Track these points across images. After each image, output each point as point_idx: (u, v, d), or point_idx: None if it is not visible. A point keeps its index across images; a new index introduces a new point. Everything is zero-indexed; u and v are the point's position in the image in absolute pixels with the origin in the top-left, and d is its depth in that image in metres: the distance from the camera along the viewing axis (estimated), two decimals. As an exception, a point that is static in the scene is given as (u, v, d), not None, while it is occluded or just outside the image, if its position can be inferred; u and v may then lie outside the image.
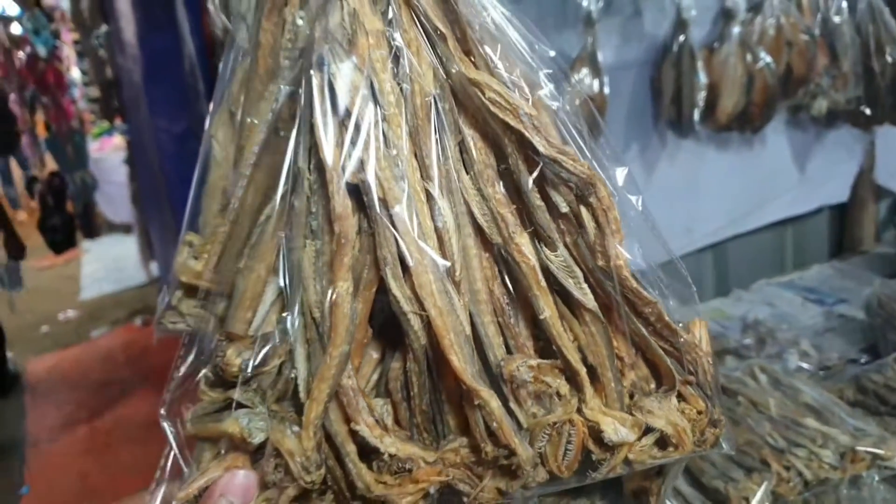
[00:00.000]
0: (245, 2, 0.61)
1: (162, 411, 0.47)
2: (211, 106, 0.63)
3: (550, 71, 0.50)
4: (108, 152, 4.98)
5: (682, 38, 1.75)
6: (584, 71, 1.66)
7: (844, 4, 1.80)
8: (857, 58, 1.81)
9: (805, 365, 1.60)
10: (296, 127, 0.46)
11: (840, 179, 2.19)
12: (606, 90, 1.69)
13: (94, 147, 5.14)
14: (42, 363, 3.69)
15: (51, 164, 4.64)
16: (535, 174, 0.44)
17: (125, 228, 4.96)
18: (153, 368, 3.33)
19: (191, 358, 0.48)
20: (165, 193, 2.04)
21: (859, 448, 1.13)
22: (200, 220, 0.63)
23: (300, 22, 0.56)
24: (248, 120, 0.57)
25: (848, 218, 2.26)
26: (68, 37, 5.16)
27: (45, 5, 4.71)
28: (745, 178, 2.03)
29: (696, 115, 1.77)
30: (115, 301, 4.45)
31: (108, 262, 5.00)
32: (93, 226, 4.78)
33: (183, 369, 0.47)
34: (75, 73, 5.24)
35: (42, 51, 4.46)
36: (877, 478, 1.13)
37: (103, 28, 3.14)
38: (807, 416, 1.24)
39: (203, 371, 0.46)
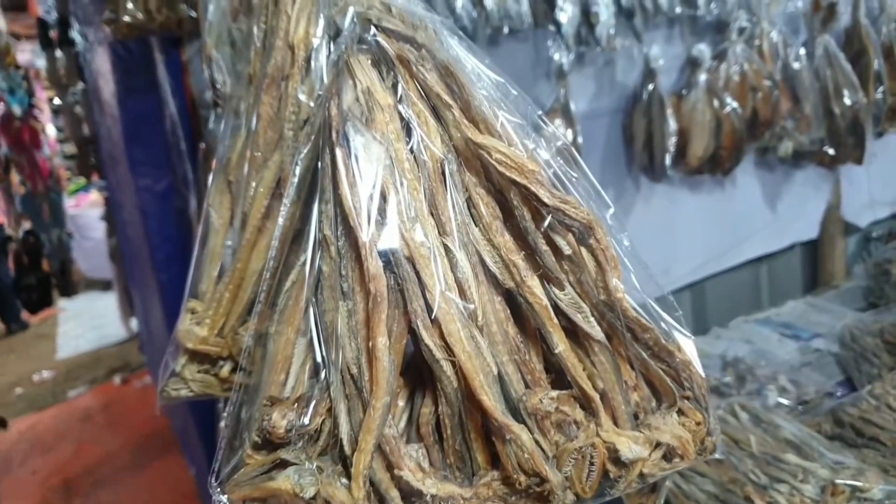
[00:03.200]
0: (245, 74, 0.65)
1: (212, 481, 0.49)
2: (210, 176, 0.66)
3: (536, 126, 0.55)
4: (84, 208, 4.96)
5: (651, 86, 1.83)
6: (558, 121, 1.72)
7: (802, 51, 1.90)
8: (817, 101, 1.90)
9: (784, 400, 1.64)
10: (318, 197, 0.50)
11: (809, 217, 2.27)
12: (580, 139, 1.75)
13: (70, 203, 5.12)
14: (15, 427, 3.58)
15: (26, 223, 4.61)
16: (546, 222, 0.48)
17: (103, 285, 4.90)
18: (133, 429, 3.27)
19: (230, 422, 0.51)
20: (148, 251, 2.05)
21: (839, 481, 1.16)
22: (200, 287, 0.66)
23: (302, 97, 0.60)
24: (252, 187, 0.61)
25: (819, 254, 2.33)
26: (42, 94, 5.18)
27: (20, 64, 4.73)
28: (719, 218, 2.09)
29: (668, 160, 1.83)
30: (93, 359, 4.35)
31: (86, 320, 4.91)
32: (70, 284, 4.73)
33: (225, 437, 0.50)
34: (50, 130, 5.24)
35: (17, 110, 4.47)
36: (857, 509, 1.17)
37: (80, 86, 3.18)
38: (787, 451, 1.27)
39: (246, 436, 0.48)
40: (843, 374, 1.79)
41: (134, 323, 3.67)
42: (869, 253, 2.38)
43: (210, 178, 0.68)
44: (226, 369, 0.61)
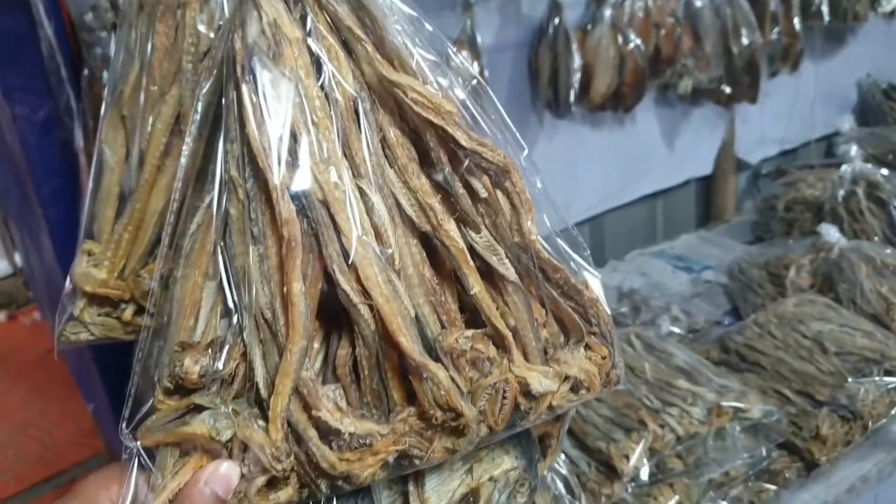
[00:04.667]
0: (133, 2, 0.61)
1: (123, 428, 0.47)
2: (98, 107, 0.63)
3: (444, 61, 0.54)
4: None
5: (556, 20, 1.82)
6: (464, 53, 1.70)
7: (705, -11, 1.93)
8: (717, 40, 1.94)
9: (676, 329, 1.73)
10: (222, 136, 0.47)
11: (704, 154, 2.36)
12: (486, 72, 1.74)
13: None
14: None
15: None
16: (465, 165, 0.48)
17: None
18: (23, 366, 3.14)
19: (138, 368, 0.49)
20: (32, 185, 1.94)
21: (723, 403, 1.25)
22: (95, 227, 0.63)
23: (201, 27, 0.57)
24: (149, 123, 0.58)
25: (712, 189, 2.43)
26: None
27: None
28: (618, 155, 2.15)
29: (572, 96, 1.84)
30: (-26, 295, 4.10)
31: (-37, 255, 4.60)
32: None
33: (134, 384, 0.48)
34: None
35: None
36: (738, 429, 1.26)
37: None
38: (678, 377, 1.35)
39: (157, 381, 0.47)
40: (730, 304, 1.91)
41: (17, 257, 3.48)
42: (758, 189, 2.50)
43: (101, 109, 0.64)
44: (128, 312, 0.59)
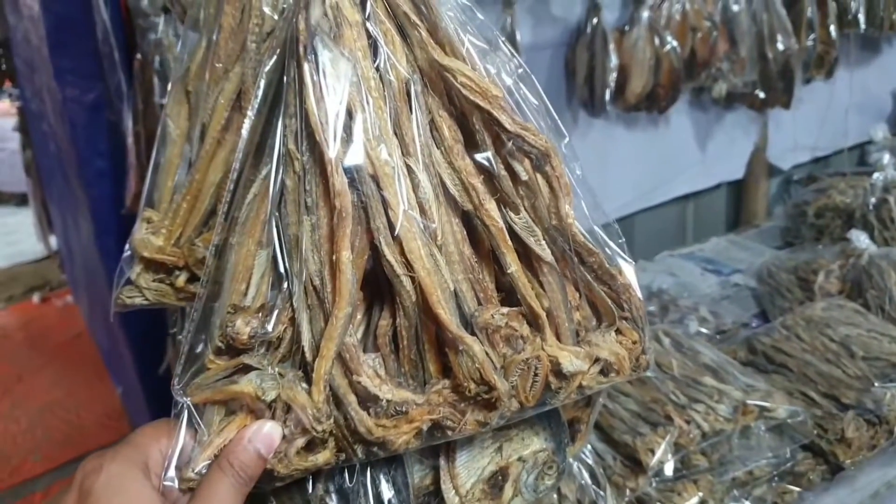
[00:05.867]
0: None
1: (176, 385, 0.50)
2: (143, 90, 0.65)
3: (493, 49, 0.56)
4: (-4, 118, 4.69)
5: (594, 20, 1.84)
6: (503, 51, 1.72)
7: (742, -7, 1.93)
8: (752, 44, 1.94)
9: (704, 329, 1.73)
10: (281, 111, 0.50)
11: (737, 158, 2.36)
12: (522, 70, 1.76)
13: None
14: (-71, 346, 3.46)
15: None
16: (508, 147, 0.51)
17: (18, 199, 4.68)
18: (54, 348, 3.20)
19: (191, 329, 0.52)
20: (76, 166, 1.99)
21: (749, 402, 1.25)
22: (156, 196, 0.66)
23: (266, 9, 0.60)
24: (213, 99, 0.61)
25: (743, 194, 2.43)
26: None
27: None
28: (651, 155, 2.15)
29: (608, 96, 1.86)
30: (9, 276, 4.17)
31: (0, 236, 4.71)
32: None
33: (188, 344, 0.51)
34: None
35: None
36: (763, 427, 1.26)
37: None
38: (705, 374, 1.35)
39: (208, 342, 0.50)
40: (758, 307, 1.91)
41: (53, 240, 3.55)
42: (789, 195, 2.49)
43: (152, 93, 0.67)
44: (181, 279, 0.62)
